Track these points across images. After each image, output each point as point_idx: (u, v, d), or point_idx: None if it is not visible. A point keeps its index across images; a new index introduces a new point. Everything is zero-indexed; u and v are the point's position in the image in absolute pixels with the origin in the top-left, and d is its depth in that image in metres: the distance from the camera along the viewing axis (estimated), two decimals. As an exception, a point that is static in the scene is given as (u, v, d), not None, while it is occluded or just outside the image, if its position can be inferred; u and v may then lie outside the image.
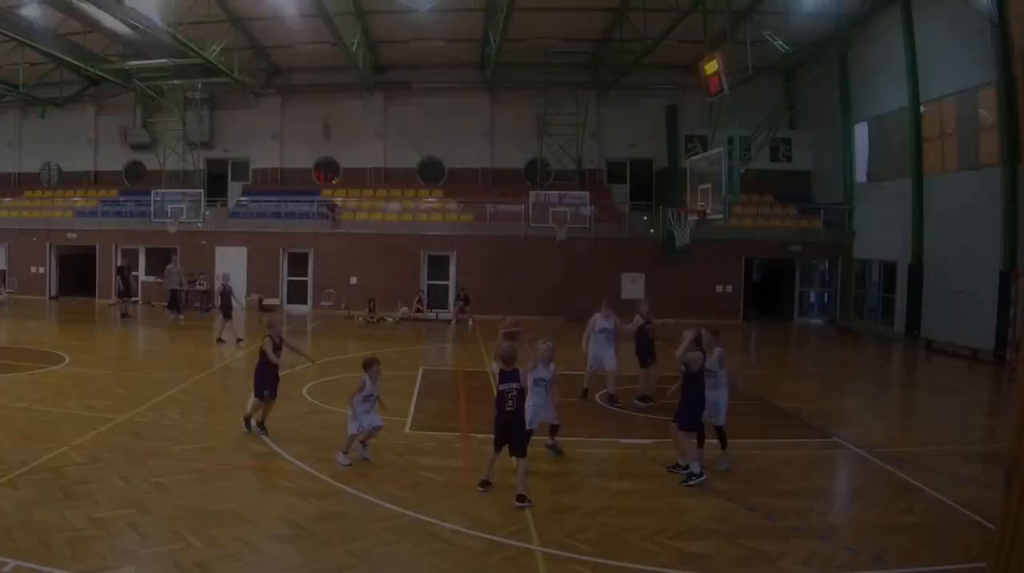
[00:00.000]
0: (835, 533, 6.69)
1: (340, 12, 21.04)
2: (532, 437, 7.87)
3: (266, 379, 9.32)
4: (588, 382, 11.85)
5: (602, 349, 11.57)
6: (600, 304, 12.01)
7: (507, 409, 7.22)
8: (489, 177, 29.89)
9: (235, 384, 12.86)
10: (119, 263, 26.06)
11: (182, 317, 22.83)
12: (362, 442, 8.48)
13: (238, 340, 17.55)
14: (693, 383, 7.91)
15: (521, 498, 7.02)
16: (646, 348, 11.76)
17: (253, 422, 9.44)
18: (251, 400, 9.60)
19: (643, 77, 27.28)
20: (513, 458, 7.23)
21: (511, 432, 7.26)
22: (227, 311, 17.88)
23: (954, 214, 19.95)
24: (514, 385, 7.22)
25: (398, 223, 26.94)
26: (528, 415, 7.73)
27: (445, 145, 30.21)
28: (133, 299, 23.75)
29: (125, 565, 5.56)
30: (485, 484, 7.43)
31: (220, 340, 17.49)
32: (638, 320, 11.84)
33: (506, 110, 29.77)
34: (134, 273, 25.83)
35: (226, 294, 18.11)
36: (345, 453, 8.30)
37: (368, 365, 8.39)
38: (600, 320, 11.68)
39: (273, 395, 9.40)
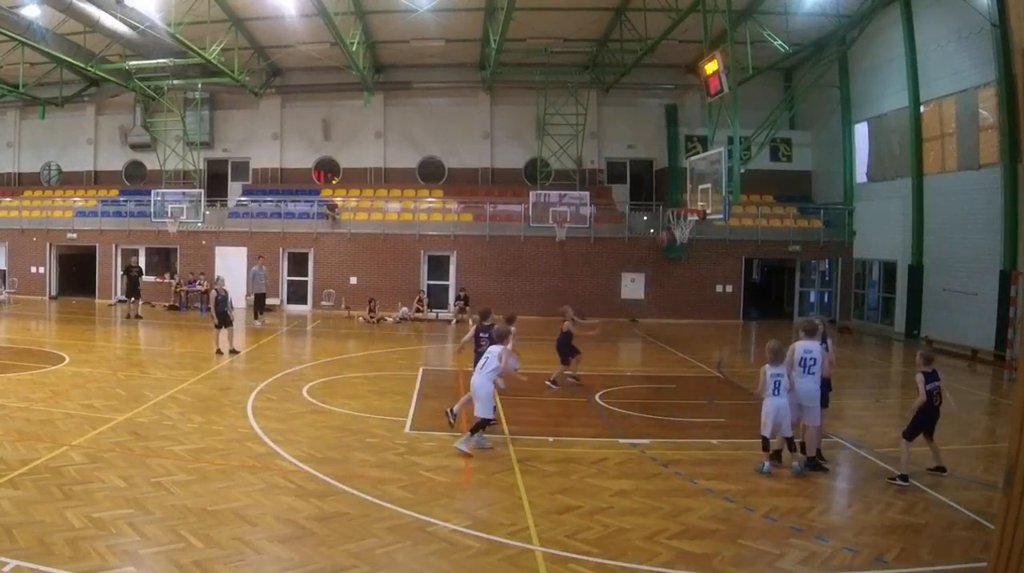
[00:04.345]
0: (835, 533, 6.69)
1: (340, 12, 21.04)
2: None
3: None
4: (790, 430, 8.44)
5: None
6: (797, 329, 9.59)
7: (935, 405, 8.39)
8: (489, 177, 29.89)
9: (235, 384, 12.85)
10: (128, 263, 25.79)
11: (268, 322, 22.04)
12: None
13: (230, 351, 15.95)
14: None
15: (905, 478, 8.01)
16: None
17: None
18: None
19: (643, 77, 27.32)
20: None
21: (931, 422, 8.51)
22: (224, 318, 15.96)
23: (954, 214, 19.94)
24: (937, 383, 8.44)
25: (398, 223, 26.91)
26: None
27: (445, 145, 30.22)
28: (132, 300, 23.59)
29: (125, 565, 5.57)
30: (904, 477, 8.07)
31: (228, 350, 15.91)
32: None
33: (506, 110, 29.78)
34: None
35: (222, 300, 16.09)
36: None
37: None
38: (800, 350, 8.72)
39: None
